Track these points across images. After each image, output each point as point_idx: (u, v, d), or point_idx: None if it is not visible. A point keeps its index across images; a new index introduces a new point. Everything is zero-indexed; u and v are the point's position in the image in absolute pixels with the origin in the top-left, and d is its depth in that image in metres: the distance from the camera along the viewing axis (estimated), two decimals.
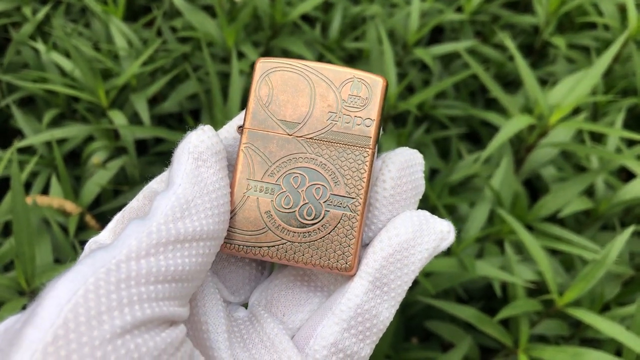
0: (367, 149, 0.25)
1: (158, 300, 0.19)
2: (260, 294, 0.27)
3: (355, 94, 0.26)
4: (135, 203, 0.25)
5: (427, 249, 0.25)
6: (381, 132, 0.27)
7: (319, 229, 0.25)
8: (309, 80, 0.26)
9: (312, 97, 0.26)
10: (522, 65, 0.68)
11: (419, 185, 0.27)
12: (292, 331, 0.26)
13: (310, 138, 0.25)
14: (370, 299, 0.24)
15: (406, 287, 0.25)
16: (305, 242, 0.25)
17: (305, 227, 0.25)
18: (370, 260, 0.24)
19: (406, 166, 0.26)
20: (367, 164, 0.25)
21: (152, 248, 0.20)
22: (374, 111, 0.25)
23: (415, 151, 0.27)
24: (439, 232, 0.25)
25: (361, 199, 0.25)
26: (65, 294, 0.18)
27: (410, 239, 0.24)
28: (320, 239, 0.25)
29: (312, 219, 0.25)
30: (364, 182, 0.25)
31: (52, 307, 0.17)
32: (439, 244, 0.25)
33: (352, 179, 0.25)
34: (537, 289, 0.61)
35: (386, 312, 0.24)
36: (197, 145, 0.23)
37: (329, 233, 0.25)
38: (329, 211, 0.25)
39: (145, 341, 0.18)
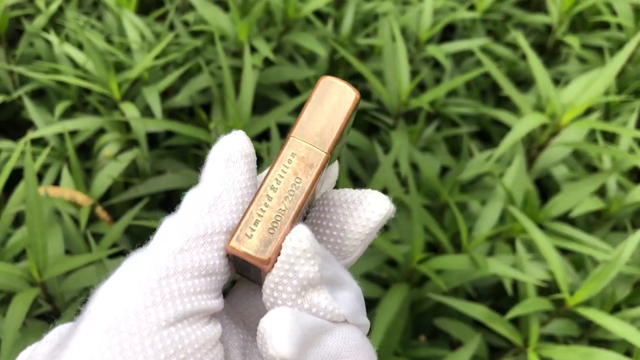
0: None
1: (196, 294, 0.21)
2: None
3: None
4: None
5: None
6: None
7: None
8: None
9: None
10: (535, 63, 0.68)
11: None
12: None
13: None
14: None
15: None
16: None
17: None
18: None
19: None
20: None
21: (185, 244, 0.21)
22: None
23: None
24: None
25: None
26: (113, 295, 0.20)
27: None
28: None
29: None
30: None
31: (102, 307, 0.19)
32: None
33: None
34: (547, 289, 0.61)
35: None
36: (228, 147, 0.24)
37: None
38: None
39: (188, 334, 0.20)
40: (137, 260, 0.21)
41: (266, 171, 0.28)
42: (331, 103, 0.24)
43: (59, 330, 0.22)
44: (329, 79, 0.25)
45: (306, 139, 0.24)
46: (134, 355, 0.18)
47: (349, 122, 0.25)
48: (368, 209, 0.24)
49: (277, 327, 0.20)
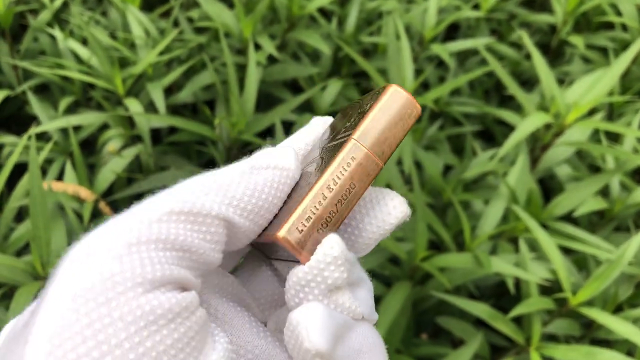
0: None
1: (169, 264, 0.20)
2: (277, 317, 0.26)
3: None
4: None
5: None
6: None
7: None
8: None
9: None
10: (539, 62, 0.68)
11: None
12: None
13: None
14: None
15: None
16: None
17: None
18: None
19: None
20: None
21: (165, 215, 0.20)
22: None
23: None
24: None
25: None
26: (82, 260, 0.19)
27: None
28: None
29: None
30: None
31: (70, 273, 0.18)
32: None
33: None
34: (549, 289, 0.61)
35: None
36: (268, 157, 0.24)
37: None
38: None
39: (161, 304, 0.19)
40: (112, 224, 0.20)
41: (301, 136, 0.27)
42: (396, 114, 0.24)
43: (31, 309, 0.21)
44: (398, 89, 0.24)
45: (368, 146, 0.24)
46: (104, 327, 0.18)
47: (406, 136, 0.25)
48: (385, 211, 0.24)
49: (313, 320, 0.20)
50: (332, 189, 0.23)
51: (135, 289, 0.18)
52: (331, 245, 0.22)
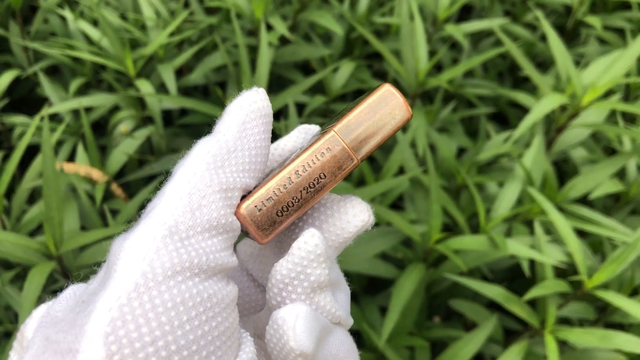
0: None
1: (219, 252, 0.21)
2: (255, 322, 0.27)
3: None
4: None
5: None
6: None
7: None
8: None
9: None
10: (555, 43, 0.67)
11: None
12: None
13: None
14: None
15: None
16: None
17: None
18: None
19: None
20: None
21: (202, 199, 0.21)
22: None
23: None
24: None
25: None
26: (138, 253, 0.19)
27: None
28: None
29: None
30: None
31: (129, 263, 0.19)
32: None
33: None
34: (563, 272, 0.61)
35: None
36: (249, 104, 0.23)
37: None
38: None
39: (215, 292, 0.20)
40: (155, 218, 0.20)
41: (283, 139, 0.27)
42: (384, 114, 0.24)
43: (74, 290, 0.22)
44: (391, 89, 0.24)
45: (346, 140, 0.24)
46: (166, 311, 0.18)
47: (390, 137, 0.24)
48: (344, 218, 0.24)
49: (300, 321, 0.20)
50: (300, 175, 0.23)
51: (193, 279, 0.19)
52: (315, 242, 0.22)
